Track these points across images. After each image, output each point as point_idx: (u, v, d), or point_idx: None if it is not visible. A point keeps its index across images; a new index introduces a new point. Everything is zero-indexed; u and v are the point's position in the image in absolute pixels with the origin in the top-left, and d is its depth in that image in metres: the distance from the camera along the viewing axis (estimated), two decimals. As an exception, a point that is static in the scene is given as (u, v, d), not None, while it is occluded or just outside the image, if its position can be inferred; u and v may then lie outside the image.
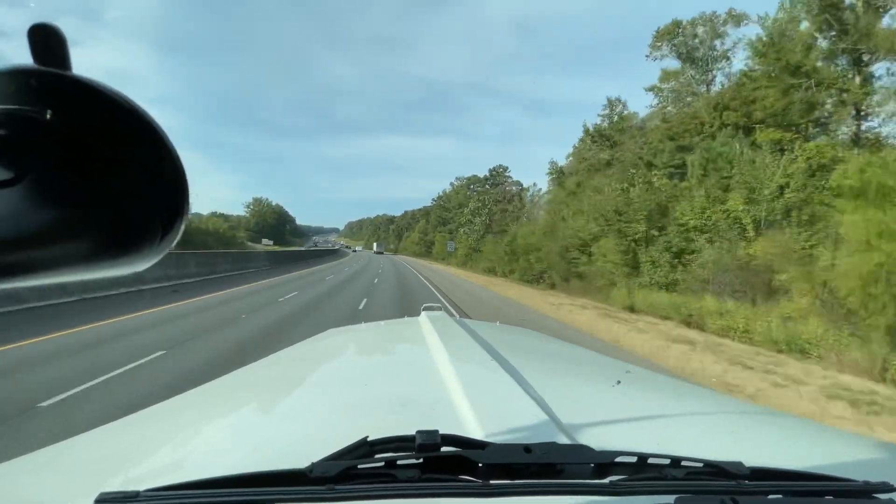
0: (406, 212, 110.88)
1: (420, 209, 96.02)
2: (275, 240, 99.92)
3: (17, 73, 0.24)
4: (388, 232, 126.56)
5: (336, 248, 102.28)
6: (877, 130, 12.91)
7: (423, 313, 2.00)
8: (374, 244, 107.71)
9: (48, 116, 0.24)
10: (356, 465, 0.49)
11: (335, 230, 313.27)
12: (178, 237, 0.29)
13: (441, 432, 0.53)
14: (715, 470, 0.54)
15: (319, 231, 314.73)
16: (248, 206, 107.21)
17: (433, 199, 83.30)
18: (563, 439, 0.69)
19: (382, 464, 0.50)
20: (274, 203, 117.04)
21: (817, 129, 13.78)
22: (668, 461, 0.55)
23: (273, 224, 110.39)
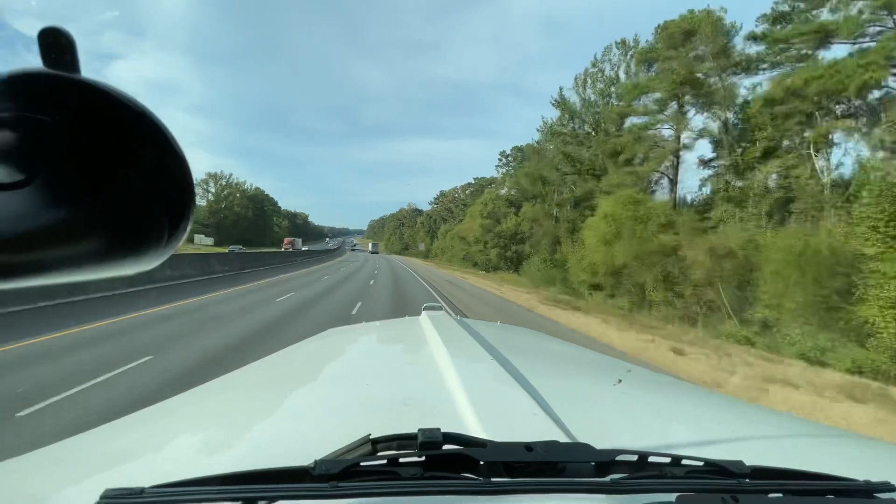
0: (441, 192, 71.59)
1: (471, 182, 56.92)
2: (250, 239, 62.09)
3: (28, 77, 0.24)
4: (413, 227, 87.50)
5: (334, 247, 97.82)
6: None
7: (423, 313, 1.97)
8: (370, 244, 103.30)
9: (57, 119, 0.24)
10: (359, 462, 0.49)
11: (360, 232, 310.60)
12: (185, 237, 0.30)
13: (443, 430, 0.53)
14: (715, 469, 0.54)
15: (345, 233, 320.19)
16: (198, 187, 70.80)
17: (504, 156, 43.25)
18: (563, 438, 0.68)
19: (385, 462, 0.50)
20: (249, 185, 79.88)
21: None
22: (668, 460, 0.55)
23: (246, 216, 73.09)
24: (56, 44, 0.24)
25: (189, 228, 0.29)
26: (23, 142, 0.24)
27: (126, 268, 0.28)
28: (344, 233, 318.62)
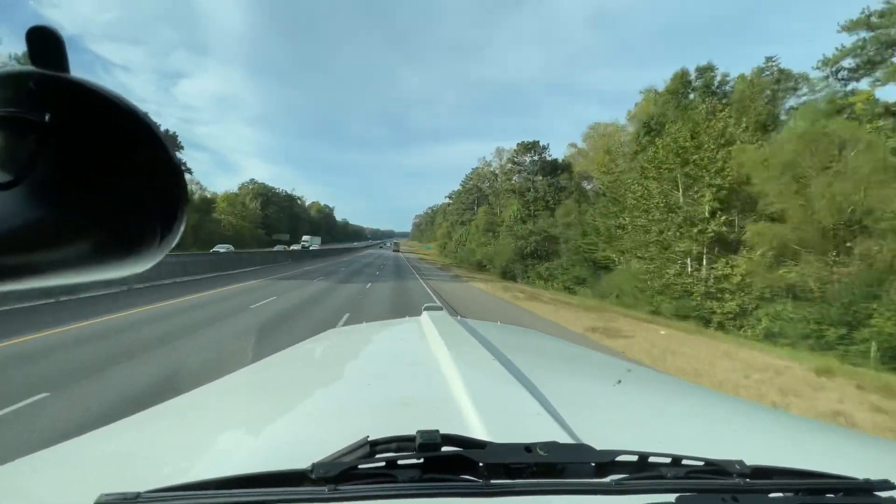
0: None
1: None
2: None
3: (16, 76, 0.24)
4: (525, 201, 33.07)
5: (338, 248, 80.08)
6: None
7: (424, 313, 1.95)
8: (392, 242, 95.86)
9: (47, 119, 0.24)
10: (357, 465, 0.48)
11: (406, 234, 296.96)
12: (178, 239, 0.29)
13: (442, 432, 0.52)
14: (716, 468, 0.54)
15: (390, 235, 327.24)
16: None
17: None
18: (563, 438, 0.67)
19: (383, 464, 0.49)
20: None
21: None
22: (668, 460, 0.54)
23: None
24: (45, 43, 0.23)
25: (182, 230, 0.29)
26: (12, 141, 0.23)
27: (118, 270, 0.27)
28: (389, 235, 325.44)
